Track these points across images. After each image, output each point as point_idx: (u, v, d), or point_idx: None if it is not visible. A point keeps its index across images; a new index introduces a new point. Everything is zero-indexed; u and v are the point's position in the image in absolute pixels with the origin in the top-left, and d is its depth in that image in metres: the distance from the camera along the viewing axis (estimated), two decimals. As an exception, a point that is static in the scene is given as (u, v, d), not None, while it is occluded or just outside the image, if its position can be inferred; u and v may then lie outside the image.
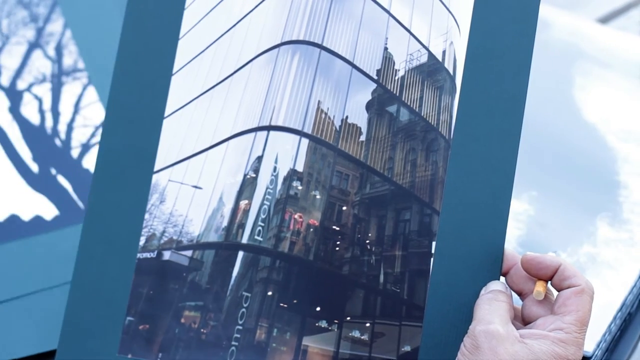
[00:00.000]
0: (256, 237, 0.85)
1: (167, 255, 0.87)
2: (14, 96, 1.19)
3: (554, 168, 1.12)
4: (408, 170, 0.84)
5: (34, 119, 1.17)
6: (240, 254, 0.86)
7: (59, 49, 1.23)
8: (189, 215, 0.88)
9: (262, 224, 0.86)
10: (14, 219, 1.09)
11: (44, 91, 1.20)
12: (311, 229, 0.85)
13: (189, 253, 0.87)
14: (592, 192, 1.09)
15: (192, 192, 0.88)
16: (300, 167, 0.86)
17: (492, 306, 0.76)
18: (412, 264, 0.83)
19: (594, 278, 0.96)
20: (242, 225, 0.86)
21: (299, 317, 0.84)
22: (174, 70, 0.88)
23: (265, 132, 0.87)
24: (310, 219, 0.85)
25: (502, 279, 0.80)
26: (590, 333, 0.81)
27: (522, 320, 0.79)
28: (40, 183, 1.12)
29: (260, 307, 0.84)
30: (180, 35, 0.89)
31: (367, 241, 0.84)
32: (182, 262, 0.87)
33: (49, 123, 1.17)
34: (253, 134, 0.87)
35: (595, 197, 1.08)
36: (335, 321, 0.83)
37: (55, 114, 1.18)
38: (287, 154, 0.86)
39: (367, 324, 0.83)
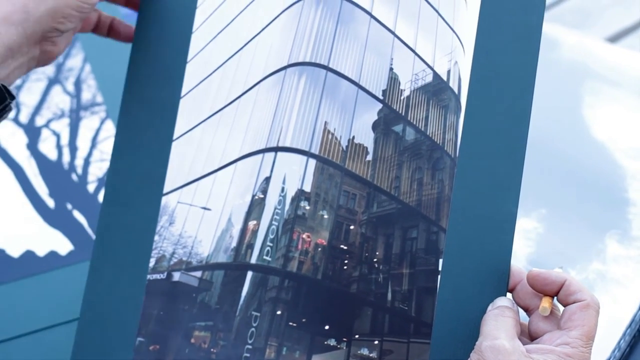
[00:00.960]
0: (265, 257, 0.86)
1: (176, 276, 0.88)
2: (32, 132, 1.21)
3: (563, 186, 1.12)
4: (414, 188, 0.85)
5: (52, 155, 1.18)
6: (249, 274, 0.86)
7: (77, 84, 1.25)
8: (198, 237, 0.88)
9: (271, 244, 0.86)
10: (29, 255, 1.10)
11: (62, 126, 1.21)
12: (319, 249, 0.85)
13: (198, 274, 0.88)
14: (601, 209, 1.09)
15: (201, 214, 0.89)
16: (307, 188, 0.86)
17: (499, 322, 0.76)
18: (420, 281, 0.83)
19: (603, 295, 0.96)
20: (250, 246, 0.87)
21: (308, 336, 0.84)
22: (182, 93, 0.89)
23: (272, 153, 0.87)
24: (318, 239, 0.85)
25: (509, 295, 0.81)
26: (599, 349, 0.81)
27: (529, 335, 0.79)
28: (56, 218, 1.13)
29: (269, 326, 0.85)
30: (188, 58, 0.90)
31: (375, 260, 0.84)
32: (191, 282, 0.88)
33: (66, 158, 1.18)
34: (261, 155, 0.88)
35: (604, 215, 1.09)
36: (344, 339, 0.83)
37: (73, 149, 1.19)
38: (294, 175, 0.87)
39: (376, 342, 0.83)
